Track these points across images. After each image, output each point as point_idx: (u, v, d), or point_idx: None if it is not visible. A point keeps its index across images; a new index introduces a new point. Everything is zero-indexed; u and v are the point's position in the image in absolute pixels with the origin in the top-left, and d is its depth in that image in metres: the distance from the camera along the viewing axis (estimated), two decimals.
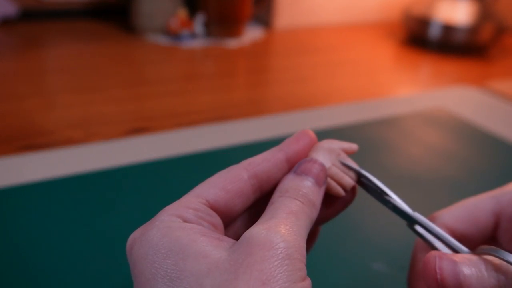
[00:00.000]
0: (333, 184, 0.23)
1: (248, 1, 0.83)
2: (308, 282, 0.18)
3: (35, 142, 0.46)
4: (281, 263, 0.17)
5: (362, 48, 0.88)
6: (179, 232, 0.18)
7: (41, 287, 0.29)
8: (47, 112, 0.53)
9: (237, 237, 0.22)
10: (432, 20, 0.85)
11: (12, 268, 0.30)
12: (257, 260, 0.17)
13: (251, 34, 0.89)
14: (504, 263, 0.20)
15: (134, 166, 0.42)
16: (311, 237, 0.25)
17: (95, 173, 0.41)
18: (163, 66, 0.70)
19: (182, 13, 0.81)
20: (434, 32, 0.85)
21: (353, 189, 0.24)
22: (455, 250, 0.22)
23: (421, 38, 0.88)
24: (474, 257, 0.20)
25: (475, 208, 0.24)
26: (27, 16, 0.85)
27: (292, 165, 0.23)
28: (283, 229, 0.18)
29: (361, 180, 0.24)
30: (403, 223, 0.24)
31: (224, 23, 0.83)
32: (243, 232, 0.21)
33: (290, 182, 0.21)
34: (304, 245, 0.19)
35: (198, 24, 0.82)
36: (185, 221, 0.19)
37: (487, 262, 0.20)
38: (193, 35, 0.82)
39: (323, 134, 0.51)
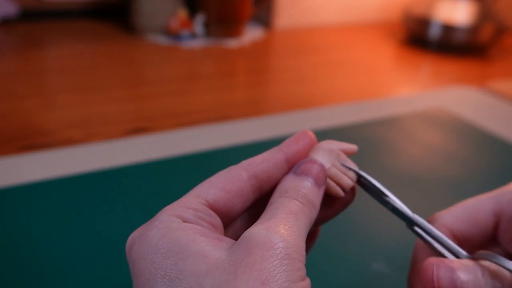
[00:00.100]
0: (332, 184, 0.23)
1: (248, 1, 0.83)
2: (307, 282, 0.18)
3: (35, 142, 0.46)
4: (280, 263, 0.17)
5: (362, 48, 0.88)
6: (179, 232, 0.18)
7: (41, 287, 0.29)
8: (47, 112, 0.53)
9: (237, 237, 0.22)
10: (432, 20, 0.85)
11: (12, 268, 0.30)
12: (256, 260, 0.17)
13: (251, 34, 0.89)
14: (501, 269, 0.20)
15: (134, 166, 0.42)
16: (311, 237, 0.25)
17: (95, 173, 0.41)
18: (163, 66, 0.70)
19: (182, 13, 0.81)
20: (434, 32, 0.85)
21: (352, 189, 0.24)
22: (454, 253, 0.22)
23: (421, 38, 0.88)
24: (471, 263, 0.20)
25: (475, 208, 0.24)
26: (27, 16, 0.85)
27: (292, 166, 0.23)
28: (282, 229, 0.18)
29: (360, 180, 0.24)
30: (403, 223, 0.24)
31: (224, 23, 0.83)
32: (243, 232, 0.21)
33: (289, 183, 0.21)
34: (304, 245, 0.19)
35: (198, 24, 0.82)
36: (184, 221, 0.19)
37: (484, 268, 0.20)
38: (193, 35, 0.82)
39: (323, 134, 0.51)
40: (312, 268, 0.32)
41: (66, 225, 0.34)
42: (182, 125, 0.52)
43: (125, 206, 0.37)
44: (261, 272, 0.17)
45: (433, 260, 0.20)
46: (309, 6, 0.97)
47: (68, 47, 0.75)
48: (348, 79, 0.71)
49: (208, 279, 0.17)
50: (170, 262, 0.17)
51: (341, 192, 0.23)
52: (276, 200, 0.20)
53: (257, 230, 0.18)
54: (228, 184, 0.21)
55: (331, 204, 0.24)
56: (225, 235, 0.22)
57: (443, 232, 0.23)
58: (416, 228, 0.23)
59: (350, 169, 0.24)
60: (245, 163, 0.22)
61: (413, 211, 0.24)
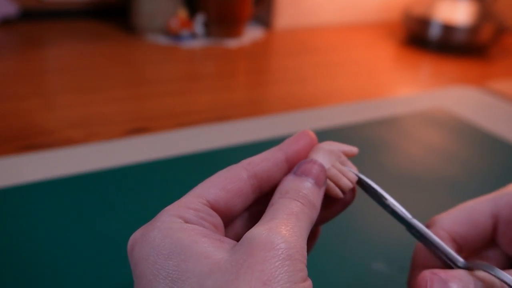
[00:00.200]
0: (332, 185, 0.23)
1: (248, 1, 0.83)
2: (309, 283, 0.18)
3: (35, 142, 0.46)
4: (282, 263, 0.17)
5: (362, 48, 0.88)
6: (181, 233, 0.18)
7: (41, 287, 0.29)
8: (47, 112, 0.53)
9: (237, 237, 0.22)
10: (432, 20, 0.85)
11: (12, 268, 0.30)
12: (258, 260, 0.17)
13: (251, 34, 0.89)
14: (497, 281, 0.20)
15: (134, 166, 0.42)
16: (312, 237, 0.25)
17: (95, 173, 0.41)
18: (163, 66, 0.70)
19: (182, 13, 0.81)
20: (434, 32, 0.85)
21: (352, 190, 0.24)
22: (451, 260, 0.22)
23: (421, 38, 0.88)
24: (465, 275, 0.21)
25: (474, 210, 0.24)
26: (27, 16, 0.85)
27: (292, 165, 0.23)
28: (284, 230, 0.18)
29: (360, 181, 0.24)
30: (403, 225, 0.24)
31: (224, 23, 0.83)
32: (244, 232, 0.21)
33: (290, 183, 0.21)
34: (305, 246, 0.19)
35: (198, 24, 0.82)
36: (186, 221, 0.19)
37: (476, 279, 0.20)
38: (193, 35, 0.82)
39: (323, 134, 0.51)
40: (313, 268, 0.32)
41: (66, 225, 0.34)
42: (182, 125, 0.52)
43: (125, 206, 0.37)
44: (263, 273, 0.17)
45: (427, 273, 0.21)
46: (309, 6, 0.97)
47: (68, 47, 0.75)
48: (348, 79, 0.71)
49: (210, 280, 0.17)
50: (172, 263, 0.17)
51: (340, 193, 0.23)
52: (277, 201, 0.20)
53: (259, 231, 0.18)
54: (228, 184, 0.21)
55: (331, 204, 0.24)
56: (226, 235, 0.22)
57: (442, 236, 0.23)
58: (415, 232, 0.23)
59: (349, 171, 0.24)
60: (245, 162, 0.22)
61: (413, 211, 0.24)
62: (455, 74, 0.77)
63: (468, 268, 0.22)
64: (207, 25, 0.84)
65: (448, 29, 0.85)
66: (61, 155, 0.44)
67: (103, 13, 0.92)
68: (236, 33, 0.84)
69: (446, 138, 0.53)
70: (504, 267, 0.23)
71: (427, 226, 0.25)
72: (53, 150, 0.44)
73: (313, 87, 0.67)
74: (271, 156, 0.22)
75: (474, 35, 0.84)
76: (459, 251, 0.24)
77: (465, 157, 0.49)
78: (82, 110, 0.54)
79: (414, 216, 0.23)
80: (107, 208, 0.37)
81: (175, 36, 0.81)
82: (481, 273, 0.21)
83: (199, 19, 0.82)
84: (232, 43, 0.83)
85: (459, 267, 0.22)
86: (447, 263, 0.23)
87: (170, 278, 0.17)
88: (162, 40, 0.81)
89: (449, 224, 0.24)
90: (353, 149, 0.24)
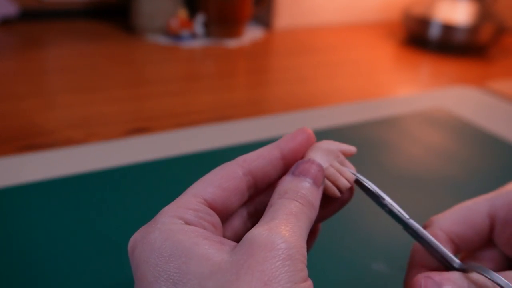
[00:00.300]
0: (329, 184, 0.23)
1: (248, 1, 0.83)
2: (309, 283, 0.18)
3: (35, 142, 0.46)
4: (282, 263, 0.17)
5: (362, 48, 0.88)
6: (181, 235, 0.18)
7: (41, 287, 0.29)
8: (47, 112, 0.53)
9: (235, 235, 0.22)
10: (432, 20, 0.85)
11: (12, 268, 0.30)
12: (258, 261, 0.17)
13: (251, 34, 0.89)
14: (489, 284, 0.20)
15: (134, 166, 0.42)
16: (311, 236, 0.25)
17: (95, 173, 0.41)
18: (163, 66, 0.70)
19: (182, 13, 0.81)
20: (434, 32, 0.85)
21: (350, 189, 0.24)
22: (447, 261, 0.22)
23: (421, 38, 0.88)
24: (459, 277, 0.21)
25: (471, 211, 0.24)
26: (27, 16, 0.85)
27: (288, 163, 0.23)
28: (283, 230, 0.18)
29: (358, 181, 0.24)
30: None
31: (224, 23, 0.83)
32: (241, 229, 0.21)
33: (288, 184, 0.21)
34: (305, 246, 0.19)
35: (198, 24, 0.82)
36: (186, 222, 0.19)
37: (470, 282, 0.20)
38: (193, 35, 0.82)
39: (323, 134, 0.51)
40: (313, 268, 0.32)
41: (66, 225, 0.34)
42: (182, 125, 0.52)
43: (125, 206, 0.37)
44: (263, 273, 0.17)
45: (421, 277, 0.21)
46: (309, 6, 0.97)
47: (68, 47, 0.75)
48: (348, 79, 0.71)
49: (211, 281, 0.17)
50: (173, 265, 0.17)
51: (337, 193, 0.23)
52: (276, 202, 0.20)
53: (259, 231, 0.18)
54: (224, 182, 0.21)
55: (329, 203, 0.24)
56: (224, 232, 0.22)
57: (439, 236, 0.24)
58: (412, 232, 0.23)
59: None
60: (240, 159, 0.22)
61: (413, 211, 0.24)
62: (455, 74, 0.77)
63: (464, 269, 0.22)
64: (207, 25, 0.84)
65: (448, 29, 0.85)
66: (61, 155, 0.44)
67: (103, 13, 0.92)
68: (236, 33, 0.84)
69: (446, 138, 0.53)
70: (503, 267, 0.24)
71: (425, 227, 0.25)
72: (53, 150, 0.44)
73: (313, 87, 0.67)
74: (267, 153, 0.22)
75: (474, 35, 0.84)
76: (457, 251, 0.24)
77: (465, 157, 0.49)
78: (82, 110, 0.54)
79: (412, 216, 0.23)
80: (107, 208, 0.37)
81: (175, 36, 0.81)
82: (475, 275, 0.21)
83: (199, 19, 0.82)
84: (232, 43, 0.83)
85: (455, 268, 0.22)
86: (444, 264, 0.23)
87: (171, 280, 0.17)
88: (162, 40, 0.81)
89: (446, 224, 0.24)
90: (351, 148, 0.24)
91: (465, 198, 0.26)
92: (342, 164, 0.24)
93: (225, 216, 0.21)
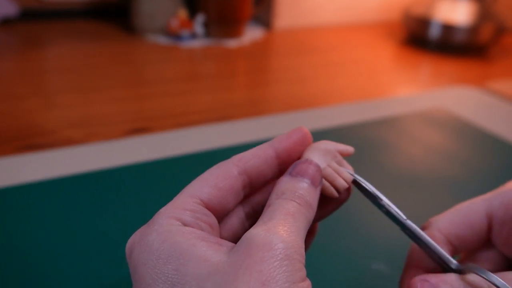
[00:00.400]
0: (327, 185, 0.23)
1: (248, 1, 0.83)
2: (307, 283, 0.18)
3: (35, 142, 0.46)
4: (280, 263, 0.17)
5: (362, 48, 0.88)
6: (179, 236, 0.18)
7: (41, 287, 0.29)
8: (47, 112, 0.53)
9: (231, 234, 0.22)
10: (432, 20, 0.85)
11: (12, 268, 0.30)
12: (256, 261, 0.17)
13: (251, 34, 0.89)
14: (486, 284, 0.20)
15: (134, 166, 0.42)
16: (309, 235, 0.25)
17: (95, 173, 0.41)
18: (163, 66, 0.70)
19: (182, 13, 0.81)
20: (434, 32, 0.85)
21: (348, 189, 0.24)
22: (445, 262, 0.22)
23: (421, 38, 0.88)
24: (455, 279, 0.21)
25: (469, 211, 0.24)
26: (27, 16, 0.85)
27: (282, 162, 0.23)
28: (281, 230, 0.18)
29: (356, 181, 0.24)
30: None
31: (224, 23, 0.83)
32: (237, 229, 0.21)
33: (286, 184, 0.21)
34: (303, 246, 0.19)
35: (198, 24, 0.82)
36: (183, 223, 0.19)
37: (466, 283, 0.20)
38: (193, 35, 0.82)
39: (323, 134, 0.51)
40: (312, 268, 0.32)
41: (66, 225, 0.34)
42: (182, 125, 0.52)
43: (125, 206, 0.37)
44: (261, 273, 0.17)
45: (418, 279, 0.21)
46: (309, 6, 0.97)
47: (68, 47, 0.75)
48: (348, 79, 0.71)
49: (210, 282, 0.17)
50: (171, 267, 0.17)
51: (335, 193, 0.23)
52: (274, 202, 0.20)
53: (257, 231, 0.18)
54: (220, 181, 0.21)
55: (326, 203, 0.24)
56: (221, 234, 0.22)
57: (437, 237, 0.24)
58: (409, 233, 0.23)
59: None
60: (235, 158, 0.22)
61: (413, 211, 0.24)
62: (455, 74, 0.77)
63: (461, 270, 0.22)
64: (207, 25, 0.84)
65: (448, 29, 0.85)
66: (61, 155, 0.44)
67: (103, 13, 0.92)
68: (236, 33, 0.84)
69: (446, 138, 0.53)
70: (501, 268, 0.24)
71: (423, 228, 0.25)
72: (53, 150, 0.44)
73: (313, 87, 0.67)
74: (262, 153, 0.22)
75: (474, 35, 0.84)
76: (455, 252, 0.24)
77: (465, 157, 0.49)
78: (82, 110, 0.54)
79: (412, 216, 0.23)
80: (107, 208, 0.37)
81: (175, 36, 0.81)
82: (472, 276, 0.21)
83: (199, 19, 0.82)
84: (232, 43, 0.83)
85: (452, 269, 0.22)
86: (441, 265, 0.23)
87: (169, 282, 0.17)
88: (162, 40, 0.81)
89: (444, 225, 0.24)
90: (349, 149, 0.24)
91: (465, 198, 0.26)
92: (340, 164, 0.24)
93: (221, 216, 0.21)
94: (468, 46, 0.86)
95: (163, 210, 0.20)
